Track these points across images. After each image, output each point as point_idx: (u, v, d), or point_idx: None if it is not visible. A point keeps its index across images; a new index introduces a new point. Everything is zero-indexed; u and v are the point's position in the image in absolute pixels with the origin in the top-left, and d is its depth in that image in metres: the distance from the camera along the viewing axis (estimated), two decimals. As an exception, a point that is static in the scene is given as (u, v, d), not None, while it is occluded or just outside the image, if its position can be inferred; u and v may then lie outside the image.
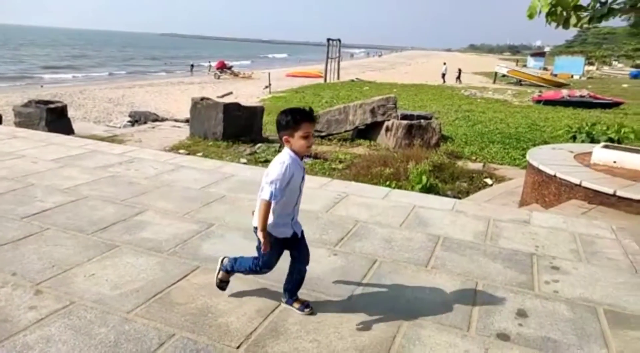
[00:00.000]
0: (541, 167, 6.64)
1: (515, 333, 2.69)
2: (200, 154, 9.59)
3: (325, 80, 33.53)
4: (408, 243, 3.88)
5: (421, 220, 4.43)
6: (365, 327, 2.67)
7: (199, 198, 4.65)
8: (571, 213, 5.34)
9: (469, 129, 14.39)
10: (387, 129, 11.88)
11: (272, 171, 2.49)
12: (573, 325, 2.82)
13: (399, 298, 3.02)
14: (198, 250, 3.52)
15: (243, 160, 9.55)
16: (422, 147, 10.82)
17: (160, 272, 3.17)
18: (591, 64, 66.47)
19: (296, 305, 2.79)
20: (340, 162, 10.02)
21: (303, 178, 2.63)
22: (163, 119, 15.62)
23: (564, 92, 24.08)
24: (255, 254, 2.71)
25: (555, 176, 6.33)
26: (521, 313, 2.91)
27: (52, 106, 10.87)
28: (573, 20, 4.95)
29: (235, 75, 37.94)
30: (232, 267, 2.82)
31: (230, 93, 24.94)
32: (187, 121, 13.38)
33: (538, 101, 22.99)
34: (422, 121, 12.04)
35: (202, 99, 11.75)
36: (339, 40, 36.33)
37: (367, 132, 12.55)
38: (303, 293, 2.89)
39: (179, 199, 4.58)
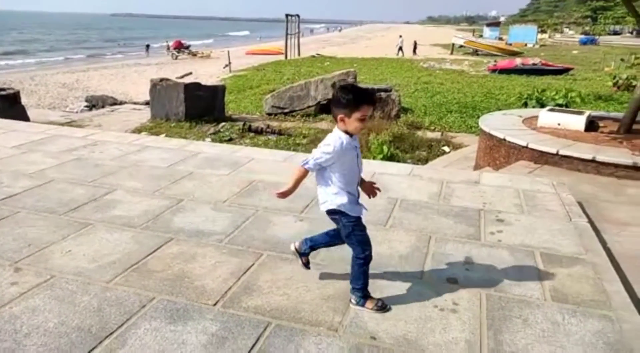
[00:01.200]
0: (492, 132, 7.06)
1: (463, 277, 3.03)
2: (163, 135, 9.58)
3: (286, 57, 33.31)
4: (368, 206, 4.15)
5: (380, 185, 4.70)
6: (331, 280, 2.95)
7: (167, 176, 4.78)
8: (518, 173, 5.77)
9: (428, 100, 14.80)
10: (349, 103, 12.11)
11: (320, 146, 2.50)
12: (513, 267, 3.19)
13: (360, 254, 3.30)
14: (170, 223, 3.69)
15: (207, 140, 9.61)
16: (382, 119, 11.14)
17: (135, 245, 3.34)
18: (544, 32, 68.33)
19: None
20: (304, 137, 10.23)
21: (358, 156, 2.62)
22: (122, 103, 15.34)
23: (518, 61, 24.82)
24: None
25: (504, 139, 6.76)
26: (468, 261, 3.25)
27: (3, 93, 10.50)
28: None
29: (194, 55, 37.12)
30: (359, 283, 2.66)
31: (190, 73, 24.52)
32: (147, 103, 13.21)
33: (493, 71, 23.66)
34: (382, 93, 12.32)
35: (162, 80, 11.63)
36: (298, 15, 35.99)
37: (330, 107, 12.74)
38: (273, 255, 3.15)
39: (147, 178, 4.70)
